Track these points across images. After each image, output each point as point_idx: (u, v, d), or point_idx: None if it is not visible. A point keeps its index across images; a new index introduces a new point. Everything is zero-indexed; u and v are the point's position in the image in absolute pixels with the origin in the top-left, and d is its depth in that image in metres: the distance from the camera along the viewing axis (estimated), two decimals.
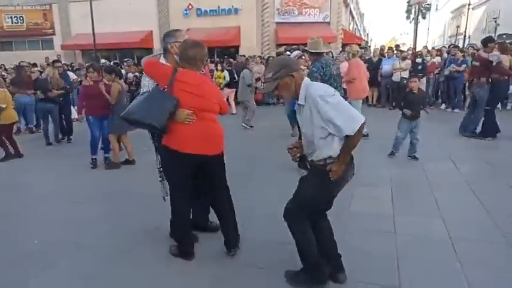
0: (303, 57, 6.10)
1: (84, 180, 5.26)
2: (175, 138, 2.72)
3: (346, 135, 2.23)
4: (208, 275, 2.80)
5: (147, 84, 2.92)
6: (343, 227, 3.44)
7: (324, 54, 4.91)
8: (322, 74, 4.70)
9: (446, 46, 13.90)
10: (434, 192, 4.33)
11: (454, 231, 3.36)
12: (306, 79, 2.38)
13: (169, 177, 2.96)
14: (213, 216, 3.25)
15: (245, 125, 8.35)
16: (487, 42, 7.18)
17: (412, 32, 40.06)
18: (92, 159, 5.79)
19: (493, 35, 25.12)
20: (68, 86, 7.72)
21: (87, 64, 11.25)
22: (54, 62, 8.92)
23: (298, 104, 2.37)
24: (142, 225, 3.63)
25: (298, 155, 2.54)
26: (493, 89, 6.81)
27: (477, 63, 7.05)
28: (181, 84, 2.67)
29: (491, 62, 6.74)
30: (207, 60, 13.17)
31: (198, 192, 3.10)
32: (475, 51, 10.49)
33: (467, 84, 9.21)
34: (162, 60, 3.02)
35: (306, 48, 4.85)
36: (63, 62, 14.51)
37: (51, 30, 21.87)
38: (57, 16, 21.54)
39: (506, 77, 7.04)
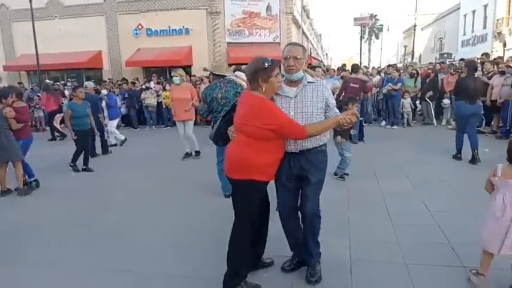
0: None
1: None
2: None
3: None
4: None
5: None
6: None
7: (228, 76, 4.80)
8: (206, 95, 4.70)
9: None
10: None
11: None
12: None
13: None
14: None
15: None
16: (357, 68, 9.08)
17: (367, 51, 41.69)
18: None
19: (438, 54, 26.55)
20: None
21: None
22: None
23: None
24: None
25: None
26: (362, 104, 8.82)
27: (356, 85, 8.25)
28: (238, 104, 2.73)
29: (366, 81, 8.68)
30: (160, 82, 12.53)
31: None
32: (415, 71, 10.96)
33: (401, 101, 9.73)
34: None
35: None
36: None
37: None
38: (0, 36, 20.54)
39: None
